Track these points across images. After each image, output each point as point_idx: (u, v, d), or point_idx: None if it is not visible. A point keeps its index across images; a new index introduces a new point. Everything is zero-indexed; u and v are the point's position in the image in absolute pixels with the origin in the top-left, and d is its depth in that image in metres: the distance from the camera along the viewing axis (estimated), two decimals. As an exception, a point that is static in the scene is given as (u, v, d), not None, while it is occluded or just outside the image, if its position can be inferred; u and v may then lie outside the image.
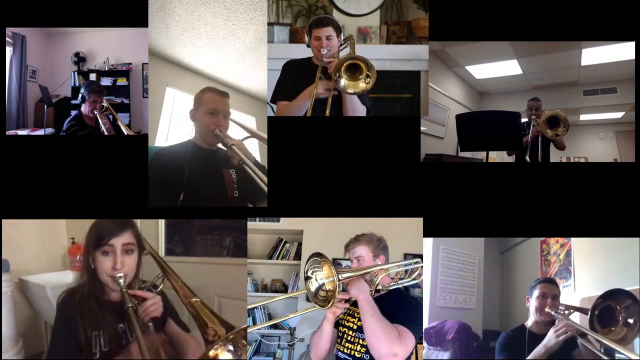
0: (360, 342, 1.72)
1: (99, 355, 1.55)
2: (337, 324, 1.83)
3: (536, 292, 1.95)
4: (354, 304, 1.74)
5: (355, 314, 1.77)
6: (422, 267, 1.96)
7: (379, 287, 1.79)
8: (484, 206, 2.12)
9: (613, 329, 1.77)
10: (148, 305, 1.59)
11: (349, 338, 1.77)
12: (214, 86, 2.04)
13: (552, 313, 1.87)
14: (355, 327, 1.77)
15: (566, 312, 1.88)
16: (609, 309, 1.78)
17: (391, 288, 1.86)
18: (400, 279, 1.92)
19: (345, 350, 1.76)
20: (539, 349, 1.81)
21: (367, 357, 1.70)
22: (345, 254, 1.94)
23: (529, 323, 1.96)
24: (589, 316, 1.79)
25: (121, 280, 1.59)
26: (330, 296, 1.63)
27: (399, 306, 1.75)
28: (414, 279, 1.95)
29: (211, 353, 1.49)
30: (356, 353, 1.73)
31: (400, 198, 2.11)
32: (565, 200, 2.12)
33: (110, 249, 1.60)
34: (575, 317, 1.90)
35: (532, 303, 1.96)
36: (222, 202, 1.98)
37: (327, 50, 2.09)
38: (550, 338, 1.80)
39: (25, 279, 2.31)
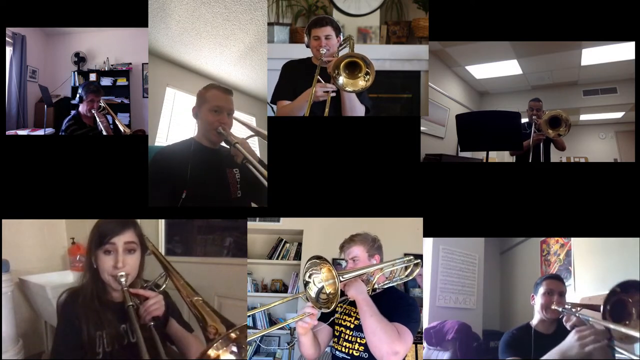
0: (359, 340, 1.72)
1: (102, 355, 1.54)
2: (334, 324, 1.83)
3: (542, 289, 1.86)
4: (351, 303, 1.74)
5: (352, 313, 1.77)
6: (415, 264, 1.91)
7: (376, 286, 1.79)
8: (484, 206, 2.12)
9: (627, 322, 1.66)
10: (150, 304, 1.57)
11: (347, 337, 1.77)
12: (217, 83, 2.01)
13: (560, 309, 1.78)
14: (352, 326, 1.77)
15: (573, 309, 1.76)
16: (621, 302, 1.68)
17: (386, 287, 1.86)
18: (394, 277, 1.89)
19: (344, 350, 1.76)
20: (553, 353, 1.63)
21: (365, 355, 1.70)
22: (340, 254, 1.94)
23: (534, 322, 1.88)
24: (601, 312, 1.66)
25: (122, 280, 1.58)
26: (332, 298, 1.61)
27: (396, 304, 1.75)
28: (407, 276, 1.91)
29: (213, 353, 1.48)
30: (354, 352, 1.73)
31: (400, 198, 2.11)
32: (565, 200, 2.11)
33: (112, 247, 1.59)
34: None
35: (538, 301, 1.87)
36: (225, 202, 1.96)
37: (327, 50, 2.09)
38: (572, 346, 1.58)
39: (25, 279, 2.31)
